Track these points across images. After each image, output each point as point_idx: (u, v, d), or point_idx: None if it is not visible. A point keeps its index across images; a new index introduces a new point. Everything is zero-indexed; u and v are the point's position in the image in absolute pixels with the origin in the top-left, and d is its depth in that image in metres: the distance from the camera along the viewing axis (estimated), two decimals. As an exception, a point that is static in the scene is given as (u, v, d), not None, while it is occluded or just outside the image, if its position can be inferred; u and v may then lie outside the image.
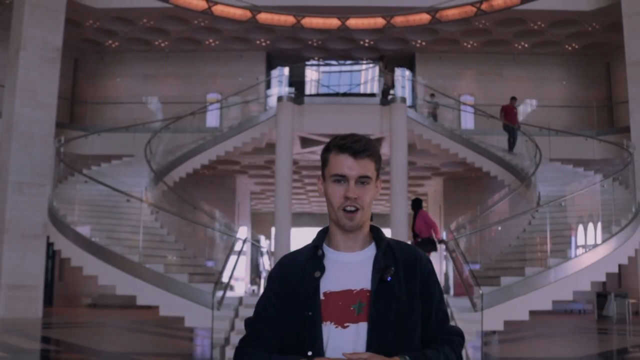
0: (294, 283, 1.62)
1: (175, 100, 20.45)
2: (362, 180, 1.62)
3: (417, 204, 11.20)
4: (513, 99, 16.47)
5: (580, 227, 10.57)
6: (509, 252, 11.49)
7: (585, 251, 9.86)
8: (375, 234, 1.70)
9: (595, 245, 9.96)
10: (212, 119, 20.33)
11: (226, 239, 11.61)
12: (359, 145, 1.62)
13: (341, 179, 1.62)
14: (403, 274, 1.61)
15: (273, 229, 27.33)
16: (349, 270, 1.63)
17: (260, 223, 31.59)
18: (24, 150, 14.70)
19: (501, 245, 12.10)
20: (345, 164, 1.61)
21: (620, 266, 17.68)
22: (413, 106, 18.11)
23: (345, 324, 1.58)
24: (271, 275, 1.71)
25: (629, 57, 15.55)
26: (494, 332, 11.21)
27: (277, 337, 1.62)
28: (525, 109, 21.41)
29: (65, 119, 19.67)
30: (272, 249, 15.97)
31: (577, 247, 10.18)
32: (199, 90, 21.84)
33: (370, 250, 1.67)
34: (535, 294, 8.93)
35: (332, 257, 1.65)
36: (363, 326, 1.57)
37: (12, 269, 14.23)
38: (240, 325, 7.25)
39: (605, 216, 10.81)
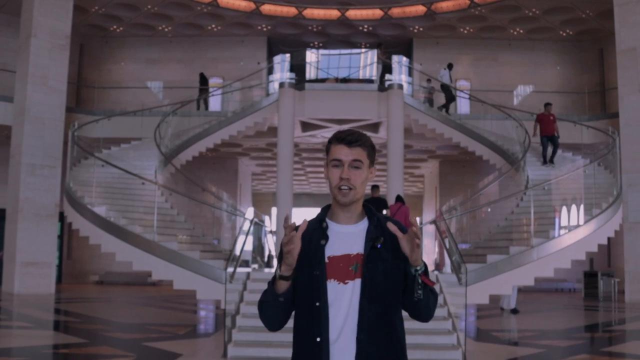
0: (303, 249, 1.99)
1: (178, 84, 21.00)
2: (355, 165, 2.03)
3: (400, 199, 12.14)
4: (548, 104, 15.00)
5: (565, 209, 11.23)
6: (497, 232, 12.17)
7: (567, 232, 10.55)
8: (368, 211, 2.11)
9: (577, 226, 10.65)
10: (214, 102, 20.90)
11: (233, 219, 12.31)
12: (352, 138, 2.05)
13: (338, 163, 2.03)
14: (390, 242, 2.03)
15: (273, 209, 28.03)
16: (348, 239, 2.05)
17: (260, 203, 32.29)
18: (36, 134, 15.29)
19: (490, 226, 12.78)
20: (342, 151, 2.04)
21: (609, 246, 18.48)
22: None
23: (346, 281, 1.99)
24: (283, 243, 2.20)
25: (619, 45, 15.99)
26: (516, 312, 11.86)
27: (292, 288, 2.06)
28: (521, 92, 22.06)
29: (71, 102, 20.18)
30: (274, 229, 16.63)
31: (560, 228, 10.84)
32: (202, 74, 22.35)
33: (364, 224, 2.08)
34: (519, 270, 9.66)
35: (334, 229, 2.07)
36: (358, 282, 1.99)
37: (26, 247, 14.89)
38: (248, 297, 7.96)
39: (589, 199, 11.48)
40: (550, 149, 14.61)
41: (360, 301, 1.99)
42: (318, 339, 1.97)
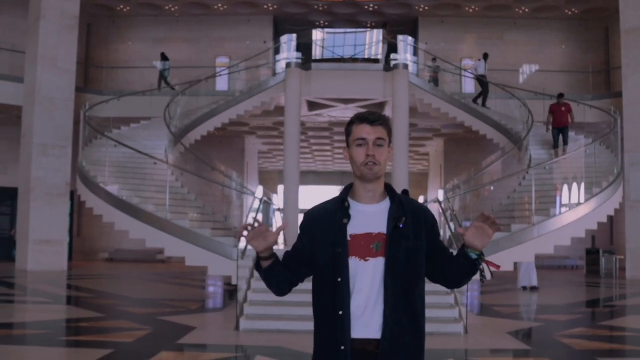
0: (325, 226, 2.13)
1: (185, 63, 21.13)
2: (378, 143, 2.12)
3: (406, 193, 12.40)
4: (560, 96, 14.53)
5: (566, 188, 11.45)
6: (499, 210, 12.38)
7: (568, 210, 10.79)
8: (390, 191, 2.20)
9: (577, 205, 10.89)
10: (221, 82, 21.04)
11: (241, 197, 12.59)
12: (374, 117, 2.14)
13: (363, 142, 2.12)
14: (411, 222, 2.13)
15: (280, 187, 28.31)
16: (369, 218, 2.13)
17: (267, 181, 32.59)
18: (47, 114, 15.54)
19: (493, 204, 13.00)
20: (365, 130, 2.12)
21: (612, 224, 18.71)
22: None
23: (367, 258, 2.08)
24: (305, 220, 2.23)
25: (623, 25, 16.08)
26: (531, 288, 12.15)
27: (297, 264, 2.17)
28: (526, 71, 22.14)
29: (80, 82, 20.31)
30: (281, 207, 16.89)
31: (561, 206, 11.08)
32: (208, 53, 22.50)
33: (386, 203, 2.17)
34: (520, 247, 9.92)
35: (356, 208, 2.15)
36: (380, 260, 2.08)
37: (39, 226, 15.24)
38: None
39: (590, 178, 11.69)
40: (561, 140, 14.23)
41: (384, 279, 2.08)
42: (340, 312, 2.07)
